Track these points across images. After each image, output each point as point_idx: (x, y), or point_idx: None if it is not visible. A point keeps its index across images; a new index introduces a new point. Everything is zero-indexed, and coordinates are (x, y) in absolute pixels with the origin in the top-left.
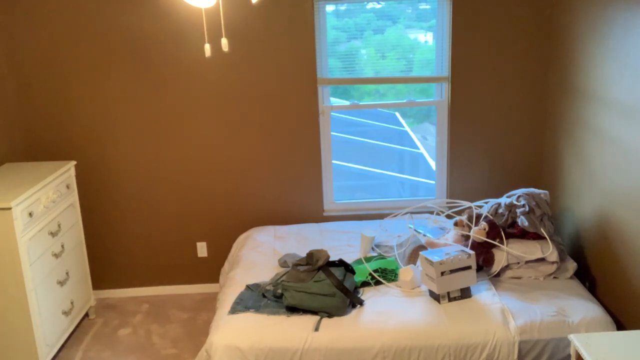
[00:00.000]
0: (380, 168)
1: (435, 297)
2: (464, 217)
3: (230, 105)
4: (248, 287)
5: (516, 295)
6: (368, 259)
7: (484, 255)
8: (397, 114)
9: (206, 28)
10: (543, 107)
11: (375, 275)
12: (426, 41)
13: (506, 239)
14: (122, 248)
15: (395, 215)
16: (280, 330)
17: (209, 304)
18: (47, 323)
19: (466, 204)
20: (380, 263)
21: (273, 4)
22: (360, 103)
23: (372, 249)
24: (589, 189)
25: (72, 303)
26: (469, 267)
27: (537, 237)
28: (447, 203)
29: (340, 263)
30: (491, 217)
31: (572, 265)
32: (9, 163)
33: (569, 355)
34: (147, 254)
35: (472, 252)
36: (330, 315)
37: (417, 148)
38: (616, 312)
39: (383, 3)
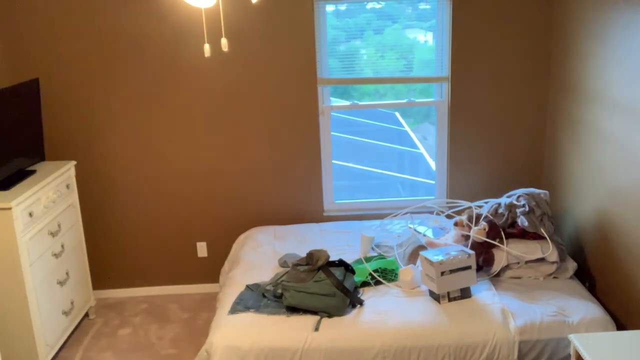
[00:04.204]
0: (380, 168)
1: (435, 297)
2: (464, 217)
3: (230, 105)
4: (248, 287)
5: (516, 295)
6: (368, 259)
7: (484, 255)
8: (397, 114)
9: (206, 28)
10: (543, 107)
11: (375, 275)
12: (426, 41)
13: (506, 239)
14: (122, 248)
15: (395, 215)
16: (280, 330)
17: (209, 304)
18: (47, 323)
19: (466, 204)
20: (380, 263)
21: (273, 4)
22: (360, 103)
23: (372, 249)
24: (589, 189)
25: (72, 303)
26: (469, 267)
27: (537, 237)
28: (447, 203)
29: (340, 263)
30: (491, 217)
31: (572, 265)
32: None
33: (569, 355)
34: (147, 254)
35: (472, 252)
36: (330, 315)
37: (417, 148)
38: (616, 312)
39: (383, 3)
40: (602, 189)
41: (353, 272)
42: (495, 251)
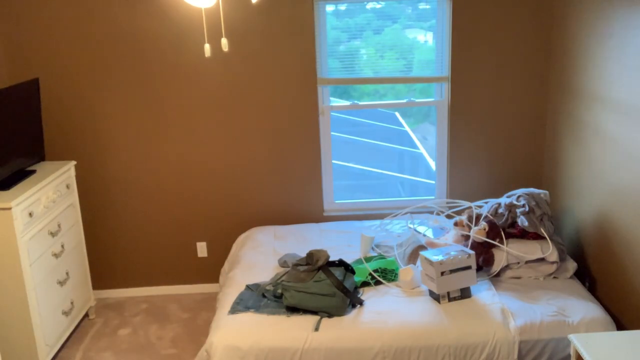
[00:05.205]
0: (380, 168)
1: (435, 297)
2: (464, 217)
3: (231, 105)
4: (248, 287)
5: (516, 295)
6: (368, 259)
7: (484, 255)
8: (397, 114)
9: (206, 28)
10: (543, 107)
11: (375, 275)
12: (426, 41)
13: (506, 239)
14: (122, 248)
15: (395, 215)
16: (280, 330)
17: (209, 304)
18: (47, 323)
19: (466, 204)
20: (380, 263)
21: (273, 4)
22: (360, 103)
23: (372, 249)
24: (589, 188)
25: (72, 303)
26: (469, 267)
27: (537, 237)
28: (447, 203)
29: (340, 263)
30: (491, 217)
31: (572, 265)
32: None
33: (569, 355)
34: (147, 254)
35: (472, 252)
36: (330, 315)
37: (417, 148)
38: (616, 312)
39: (383, 3)
40: (602, 189)
41: (353, 272)
42: (495, 251)
